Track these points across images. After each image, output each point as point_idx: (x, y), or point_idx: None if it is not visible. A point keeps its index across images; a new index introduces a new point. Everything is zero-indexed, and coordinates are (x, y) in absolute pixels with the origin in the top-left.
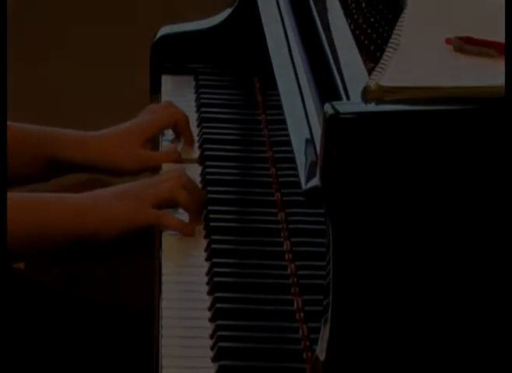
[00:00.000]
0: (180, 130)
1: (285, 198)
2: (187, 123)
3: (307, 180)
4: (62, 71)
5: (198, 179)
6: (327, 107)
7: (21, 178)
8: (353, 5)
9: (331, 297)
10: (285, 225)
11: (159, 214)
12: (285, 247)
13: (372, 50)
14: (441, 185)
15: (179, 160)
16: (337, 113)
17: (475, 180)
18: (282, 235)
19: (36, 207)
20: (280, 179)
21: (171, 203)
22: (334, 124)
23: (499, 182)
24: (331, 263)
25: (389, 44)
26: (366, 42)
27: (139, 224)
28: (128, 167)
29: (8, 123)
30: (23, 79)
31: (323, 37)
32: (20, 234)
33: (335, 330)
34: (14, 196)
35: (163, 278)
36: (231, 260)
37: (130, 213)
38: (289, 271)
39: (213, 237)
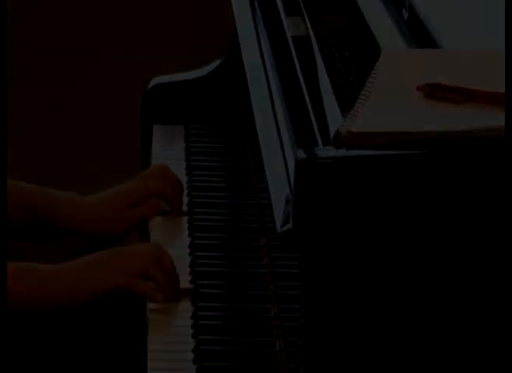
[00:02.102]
0: (170, 200)
1: (270, 243)
2: (178, 192)
3: (283, 224)
4: (55, 124)
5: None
6: (299, 152)
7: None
8: (333, 51)
9: (303, 339)
10: (269, 270)
11: (129, 280)
12: (268, 290)
13: (347, 96)
14: (407, 225)
15: (164, 211)
16: (307, 157)
17: (441, 220)
18: (267, 279)
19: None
20: (266, 225)
21: (143, 276)
22: (304, 169)
23: (459, 222)
24: (304, 304)
25: (363, 91)
26: (343, 88)
27: (107, 289)
28: (115, 231)
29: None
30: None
31: (303, 84)
32: None
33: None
34: None
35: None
36: (216, 304)
37: (98, 279)
38: (272, 314)
39: (198, 282)
